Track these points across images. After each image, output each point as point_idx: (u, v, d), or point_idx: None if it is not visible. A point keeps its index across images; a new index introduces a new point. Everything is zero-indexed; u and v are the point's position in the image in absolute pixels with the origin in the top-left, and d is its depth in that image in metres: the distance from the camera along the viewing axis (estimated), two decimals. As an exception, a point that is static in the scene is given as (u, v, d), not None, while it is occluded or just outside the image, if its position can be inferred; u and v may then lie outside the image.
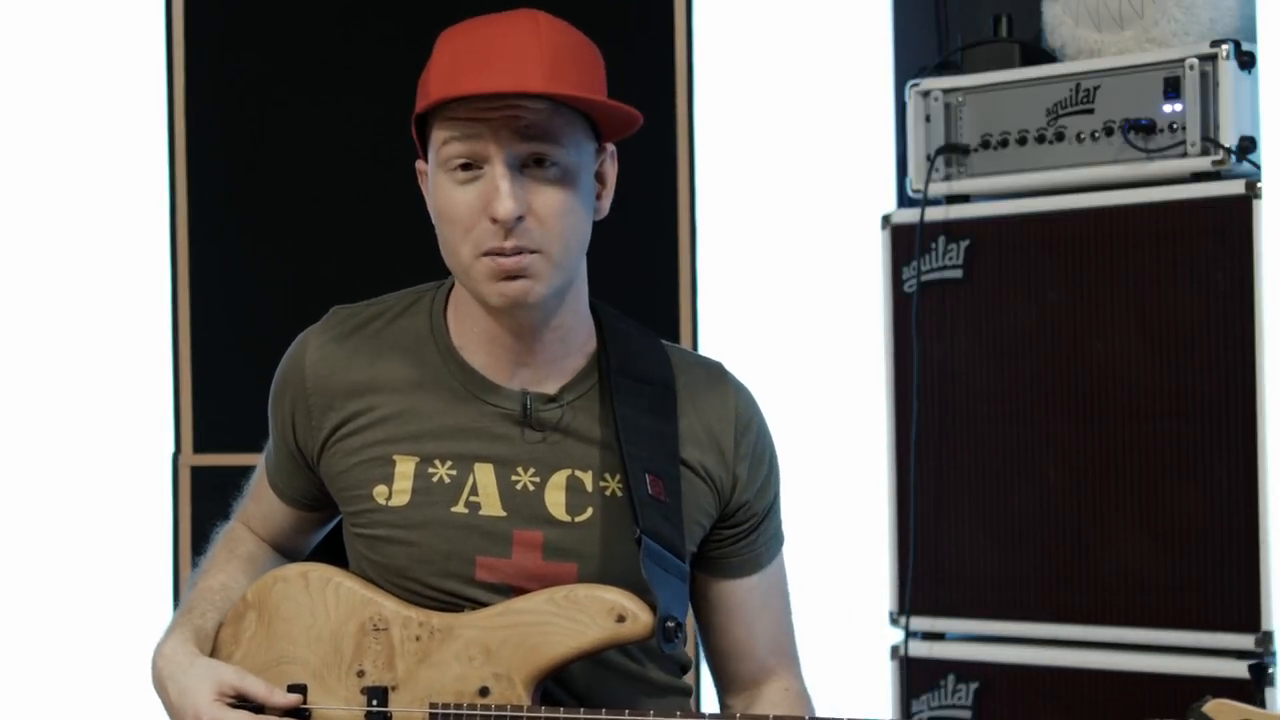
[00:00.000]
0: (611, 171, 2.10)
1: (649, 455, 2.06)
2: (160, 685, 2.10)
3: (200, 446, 3.28)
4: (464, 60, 1.98)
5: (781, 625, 2.22)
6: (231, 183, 3.31)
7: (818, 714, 2.18)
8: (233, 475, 2.99)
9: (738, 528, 2.15)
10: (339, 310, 2.17)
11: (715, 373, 2.17)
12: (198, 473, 3.28)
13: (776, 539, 2.20)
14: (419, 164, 2.09)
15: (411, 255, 3.25)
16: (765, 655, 2.19)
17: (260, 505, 2.26)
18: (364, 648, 2.06)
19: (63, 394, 3.62)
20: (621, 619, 2.00)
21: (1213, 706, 1.80)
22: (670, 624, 2.00)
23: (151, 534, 3.42)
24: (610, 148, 2.09)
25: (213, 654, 2.14)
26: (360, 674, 2.06)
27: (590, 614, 2.00)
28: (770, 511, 2.18)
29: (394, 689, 2.04)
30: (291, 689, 2.08)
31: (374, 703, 2.04)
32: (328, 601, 2.09)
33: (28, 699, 3.59)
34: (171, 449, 3.31)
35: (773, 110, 3.59)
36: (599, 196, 2.09)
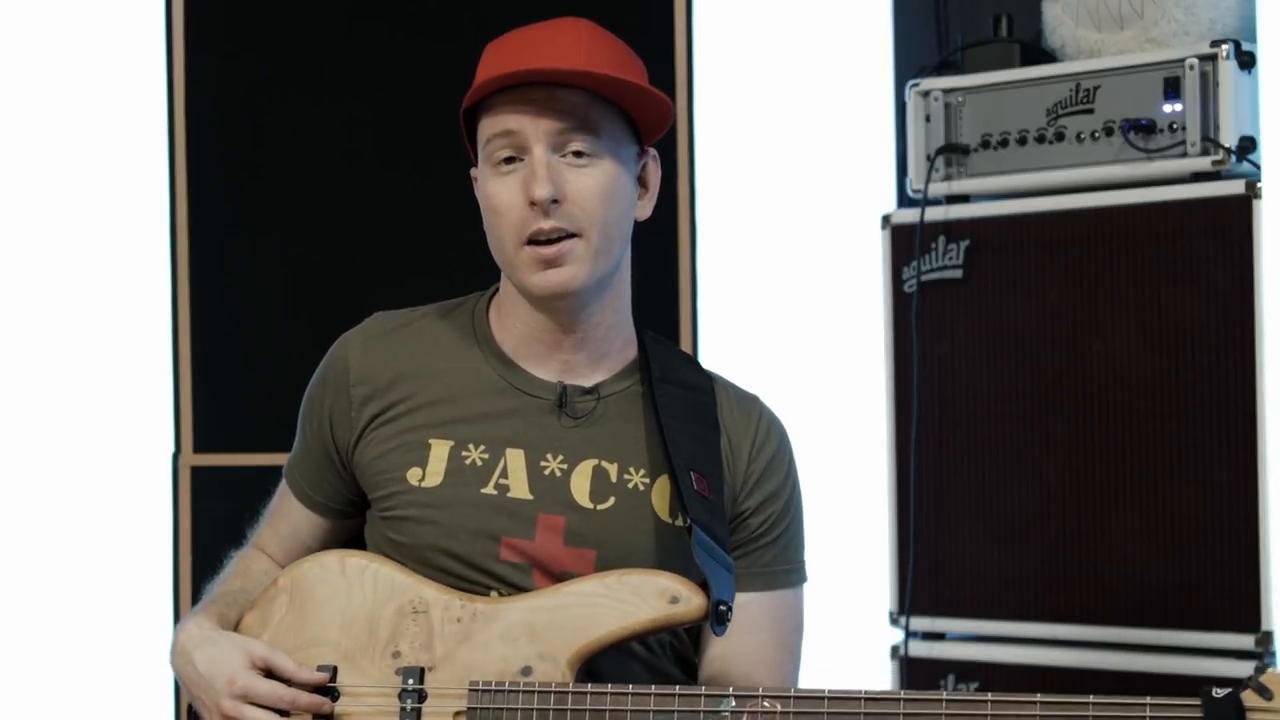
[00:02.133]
0: (654, 175, 2.18)
1: (693, 453, 2.10)
2: (184, 657, 2.09)
3: (200, 446, 3.28)
4: (505, 53, 2.08)
5: (764, 657, 2.16)
6: (231, 183, 3.31)
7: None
8: (233, 475, 2.98)
9: (732, 536, 2.16)
10: (380, 314, 2.23)
11: (750, 398, 2.24)
12: (198, 473, 3.27)
13: (786, 572, 2.19)
14: (473, 171, 2.16)
15: (411, 255, 3.26)
16: (737, 679, 2.12)
17: (278, 524, 2.27)
18: (401, 629, 2.06)
19: (63, 394, 3.62)
20: (675, 600, 2.01)
21: (1270, 677, 1.83)
22: (722, 607, 2.01)
23: (151, 534, 3.42)
24: (652, 151, 2.17)
25: None
26: (396, 654, 2.06)
27: (642, 595, 2.02)
28: (769, 532, 2.18)
29: (431, 669, 2.04)
30: (320, 670, 2.07)
31: (410, 681, 2.03)
32: (365, 586, 2.10)
33: (28, 699, 3.59)
34: (171, 449, 3.30)
35: (773, 110, 3.59)
36: (641, 198, 2.16)
